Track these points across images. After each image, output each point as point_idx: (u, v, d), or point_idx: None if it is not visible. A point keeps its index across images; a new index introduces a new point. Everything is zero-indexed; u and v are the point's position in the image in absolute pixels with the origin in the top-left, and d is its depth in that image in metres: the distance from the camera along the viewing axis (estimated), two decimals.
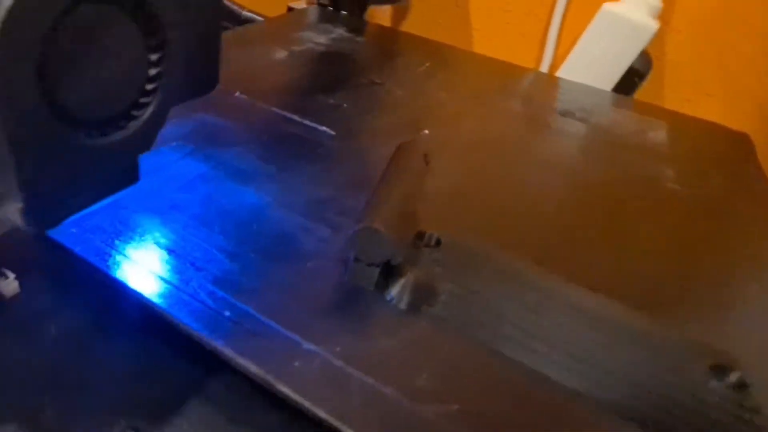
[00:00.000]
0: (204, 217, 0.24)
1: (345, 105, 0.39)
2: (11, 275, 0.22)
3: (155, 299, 0.20)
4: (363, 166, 0.31)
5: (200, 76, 0.20)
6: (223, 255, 0.23)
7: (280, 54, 0.45)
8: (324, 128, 0.35)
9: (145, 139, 0.16)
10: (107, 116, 0.15)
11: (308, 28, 0.53)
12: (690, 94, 0.58)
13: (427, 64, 0.50)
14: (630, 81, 0.54)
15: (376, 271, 0.22)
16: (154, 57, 0.16)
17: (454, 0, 0.66)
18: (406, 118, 0.38)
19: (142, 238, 0.23)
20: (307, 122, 0.35)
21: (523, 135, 0.40)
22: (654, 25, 0.51)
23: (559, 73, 0.56)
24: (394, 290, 0.22)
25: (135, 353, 0.21)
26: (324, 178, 0.29)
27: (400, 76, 0.46)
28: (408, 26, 0.70)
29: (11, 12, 0.11)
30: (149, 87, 0.16)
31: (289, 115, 0.35)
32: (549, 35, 0.62)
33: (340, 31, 0.54)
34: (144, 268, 0.21)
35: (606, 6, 0.53)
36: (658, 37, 0.56)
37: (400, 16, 0.70)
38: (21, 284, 0.22)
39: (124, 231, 0.23)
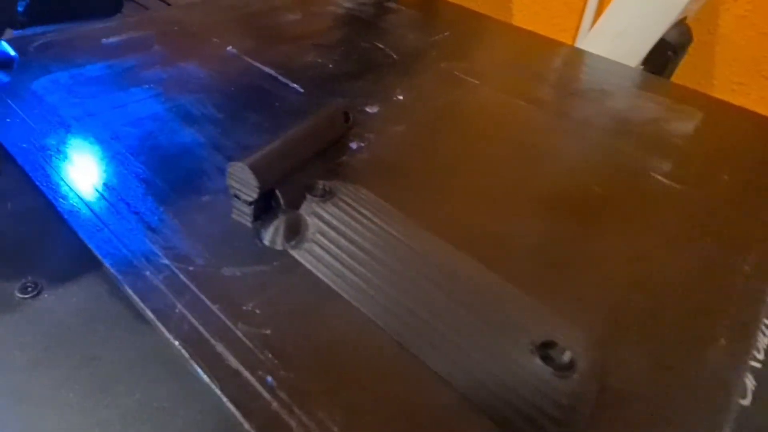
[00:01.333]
0: (136, 148, 0.28)
1: (330, 66, 0.41)
2: None
3: (65, 206, 0.24)
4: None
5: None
6: (136, 181, 0.26)
7: (294, 15, 0.48)
8: (295, 85, 0.37)
9: None
10: None
11: None
12: (744, 76, 0.52)
13: (446, 33, 0.50)
14: (662, 55, 0.49)
15: (251, 208, 0.24)
16: None
17: None
18: (384, 83, 0.40)
19: (77, 159, 0.27)
20: (281, 78, 0.38)
21: (509, 114, 0.39)
22: None
23: (585, 44, 0.53)
24: (267, 230, 0.24)
25: (52, 232, 0.25)
26: (264, 128, 0.32)
27: (407, 43, 0.47)
28: None
29: None
30: None
31: (267, 70, 0.38)
32: (588, 3, 0.59)
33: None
34: (68, 183, 0.26)
35: None
36: (710, 9, 0.50)
37: None
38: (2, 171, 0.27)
39: (64, 151, 0.27)
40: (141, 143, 0.29)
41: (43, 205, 0.25)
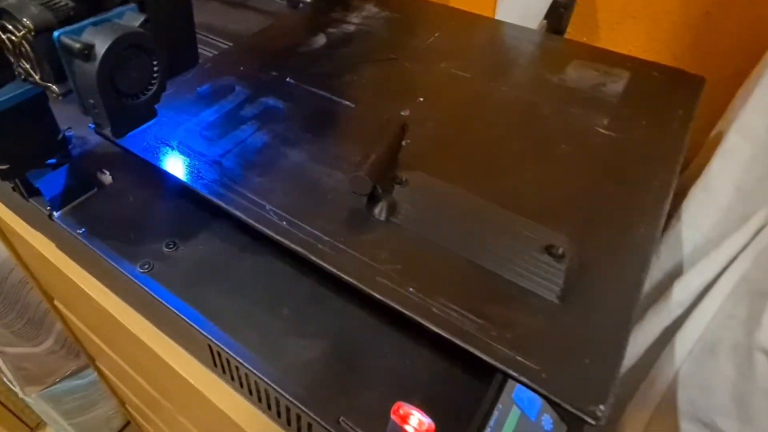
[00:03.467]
0: (271, 170, 0.43)
1: (365, 80, 0.55)
2: (107, 172, 0.46)
3: (242, 213, 0.39)
4: (368, 130, 0.48)
5: (181, 58, 0.39)
6: (281, 192, 0.41)
7: (320, 39, 0.62)
8: (347, 102, 0.51)
9: (156, 98, 0.36)
10: (136, 91, 0.34)
11: (342, 7, 0.69)
12: (618, 17, 0.70)
13: (437, 35, 0.64)
14: (557, 12, 0.66)
15: (365, 198, 0.40)
16: (155, 67, 0.34)
17: None
18: (408, 89, 0.54)
19: (237, 183, 0.42)
20: (335, 98, 0.52)
21: (497, 98, 0.54)
22: None
23: (498, 14, 0.67)
24: (376, 209, 0.40)
25: (178, 209, 0.42)
26: (343, 140, 0.47)
27: (412, 50, 0.61)
28: None
29: (102, 63, 0.31)
30: (154, 77, 0.35)
31: (322, 92, 0.52)
32: None
33: (368, 7, 0.69)
34: (244, 200, 0.40)
35: None
36: None
37: None
38: (113, 177, 0.45)
39: (228, 180, 0.42)
40: (271, 166, 0.44)
41: (150, 194, 0.44)
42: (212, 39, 0.66)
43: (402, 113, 0.51)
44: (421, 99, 0.53)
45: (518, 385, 0.30)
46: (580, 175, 0.45)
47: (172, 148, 0.44)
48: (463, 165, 0.45)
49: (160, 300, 0.38)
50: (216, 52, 0.62)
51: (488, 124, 0.50)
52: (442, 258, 0.37)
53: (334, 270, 0.35)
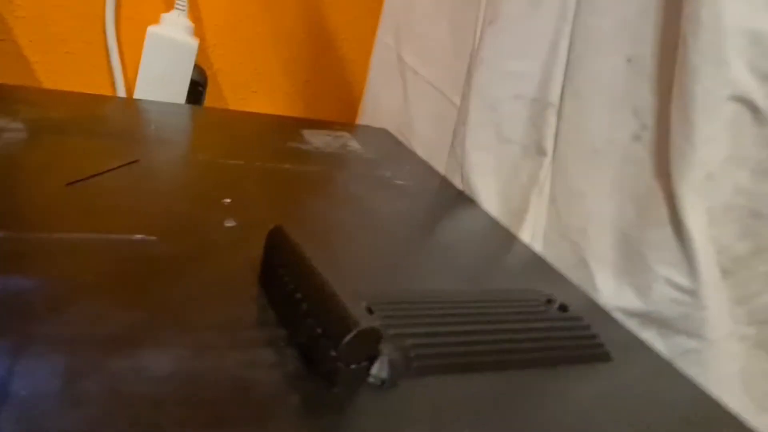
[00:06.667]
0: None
1: (130, 199, 0.30)
2: None
3: None
4: (222, 273, 0.26)
5: None
6: None
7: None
8: (138, 236, 0.27)
9: None
10: None
11: None
12: (243, 93, 0.69)
13: (153, 127, 0.43)
14: (196, 92, 0.59)
15: (367, 365, 0.20)
16: None
17: None
18: (199, 193, 0.33)
19: None
20: (115, 236, 0.26)
21: (294, 177, 0.40)
22: (193, 42, 0.54)
23: (136, 95, 0.55)
24: (379, 370, 0.21)
25: None
26: (204, 296, 0.24)
27: (143, 147, 0.38)
28: None
29: None
30: None
31: (90, 235, 0.25)
32: (112, 61, 0.59)
33: (22, 109, 0.39)
34: None
35: (150, 29, 0.52)
36: (203, 52, 0.62)
37: None
38: None
39: None
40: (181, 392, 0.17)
41: None
42: None
43: (227, 224, 0.30)
44: (228, 200, 0.33)
45: None
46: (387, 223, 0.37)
47: None
48: (361, 256, 0.30)
49: None
50: None
51: (327, 207, 0.36)
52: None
53: None
